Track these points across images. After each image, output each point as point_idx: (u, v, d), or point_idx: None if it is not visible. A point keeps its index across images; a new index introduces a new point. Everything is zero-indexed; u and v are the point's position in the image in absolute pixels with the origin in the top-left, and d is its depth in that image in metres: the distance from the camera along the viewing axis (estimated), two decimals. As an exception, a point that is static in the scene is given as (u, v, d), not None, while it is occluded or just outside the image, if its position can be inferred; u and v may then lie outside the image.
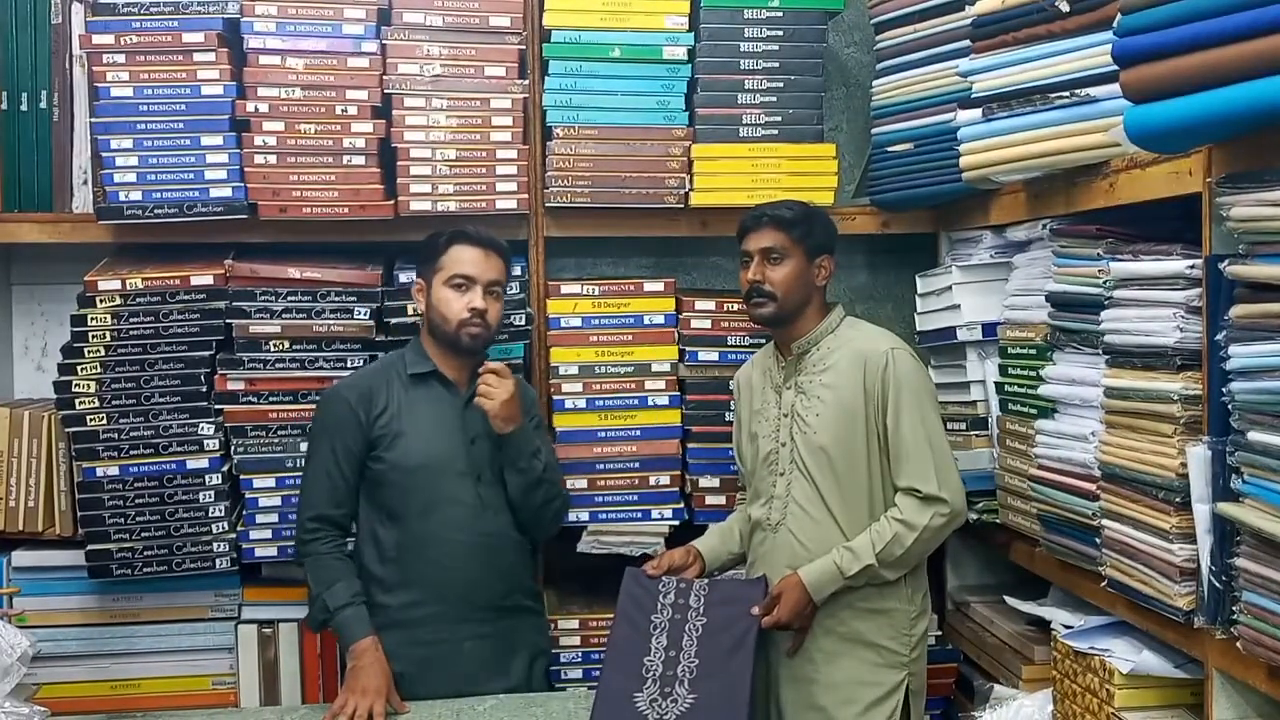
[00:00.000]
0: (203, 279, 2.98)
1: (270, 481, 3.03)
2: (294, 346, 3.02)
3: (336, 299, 3.03)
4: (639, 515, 3.10)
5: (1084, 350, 2.33)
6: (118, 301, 2.95)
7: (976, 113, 2.60)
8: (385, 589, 2.70)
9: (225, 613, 3.09)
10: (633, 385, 3.11)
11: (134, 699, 2.89)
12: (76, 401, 2.93)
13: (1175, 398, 2.00)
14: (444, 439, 2.71)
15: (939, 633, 3.06)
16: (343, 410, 2.72)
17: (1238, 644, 1.83)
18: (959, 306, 2.92)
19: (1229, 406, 1.85)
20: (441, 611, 2.67)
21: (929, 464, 2.52)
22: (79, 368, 2.93)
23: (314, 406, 2.86)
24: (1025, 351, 2.60)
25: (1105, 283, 2.20)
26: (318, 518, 2.71)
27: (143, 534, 2.95)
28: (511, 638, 2.74)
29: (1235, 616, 1.83)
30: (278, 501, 3.01)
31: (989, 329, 2.83)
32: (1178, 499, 1.98)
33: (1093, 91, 2.27)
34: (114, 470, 2.94)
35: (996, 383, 2.75)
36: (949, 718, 3.04)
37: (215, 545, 2.99)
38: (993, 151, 2.57)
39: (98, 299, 2.94)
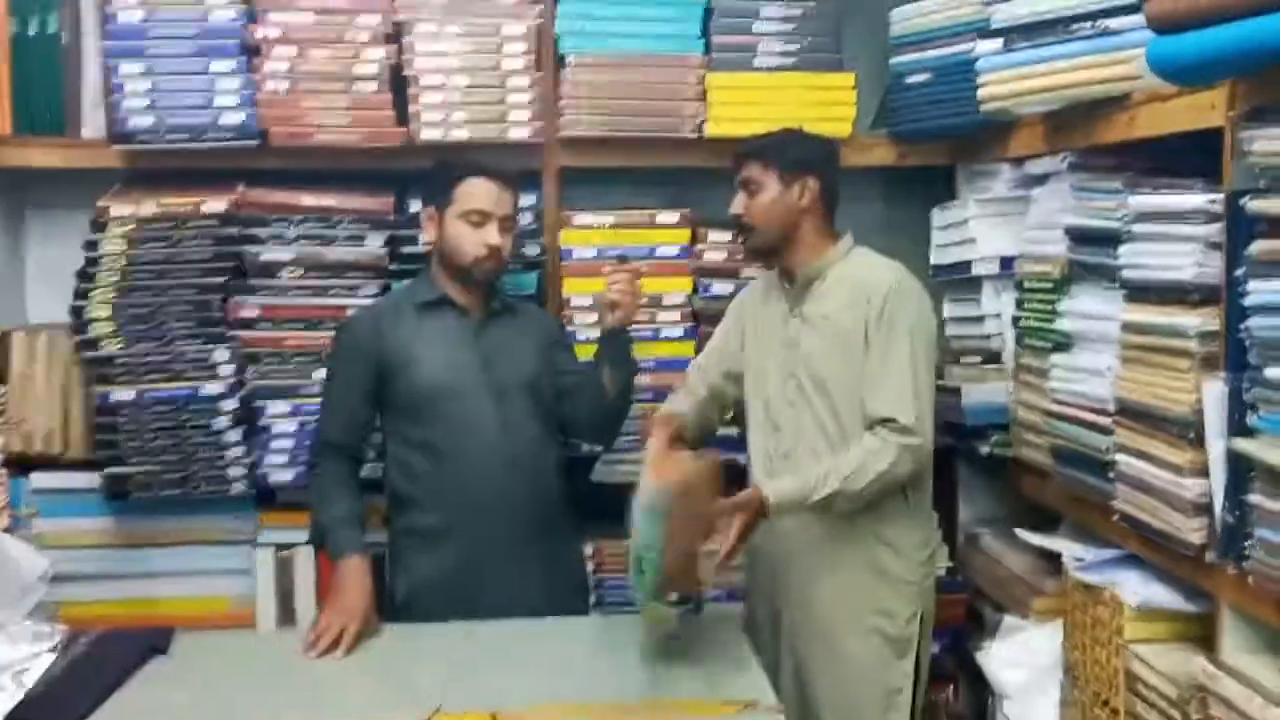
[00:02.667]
0: (215, 206, 2.98)
1: (285, 408, 3.05)
2: (308, 274, 3.02)
3: (349, 226, 3.04)
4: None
5: (1102, 285, 2.32)
6: (130, 227, 2.95)
7: (997, 43, 2.57)
8: (415, 512, 2.74)
9: (242, 536, 3.12)
10: (646, 318, 3.10)
11: (153, 618, 2.91)
12: (91, 326, 2.95)
13: (1193, 333, 1.99)
14: (458, 363, 2.73)
15: (950, 564, 3.08)
16: (352, 341, 2.76)
17: (1249, 579, 1.84)
18: (975, 240, 2.90)
19: (1246, 343, 1.84)
20: (471, 533, 2.70)
21: (910, 395, 2.48)
22: (93, 293, 2.94)
23: (329, 334, 2.87)
24: (1042, 285, 2.59)
25: (1124, 217, 2.19)
26: (327, 444, 2.76)
27: (159, 458, 2.98)
28: (544, 561, 2.76)
29: (1247, 552, 1.84)
30: (293, 428, 3.04)
31: (1006, 263, 2.82)
32: (1192, 434, 1.98)
33: (1115, 22, 2.24)
34: (129, 395, 2.96)
35: (1013, 317, 2.74)
36: (959, 648, 3.06)
37: (231, 470, 3.02)
38: (1012, 83, 2.54)
39: (110, 225, 2.94)
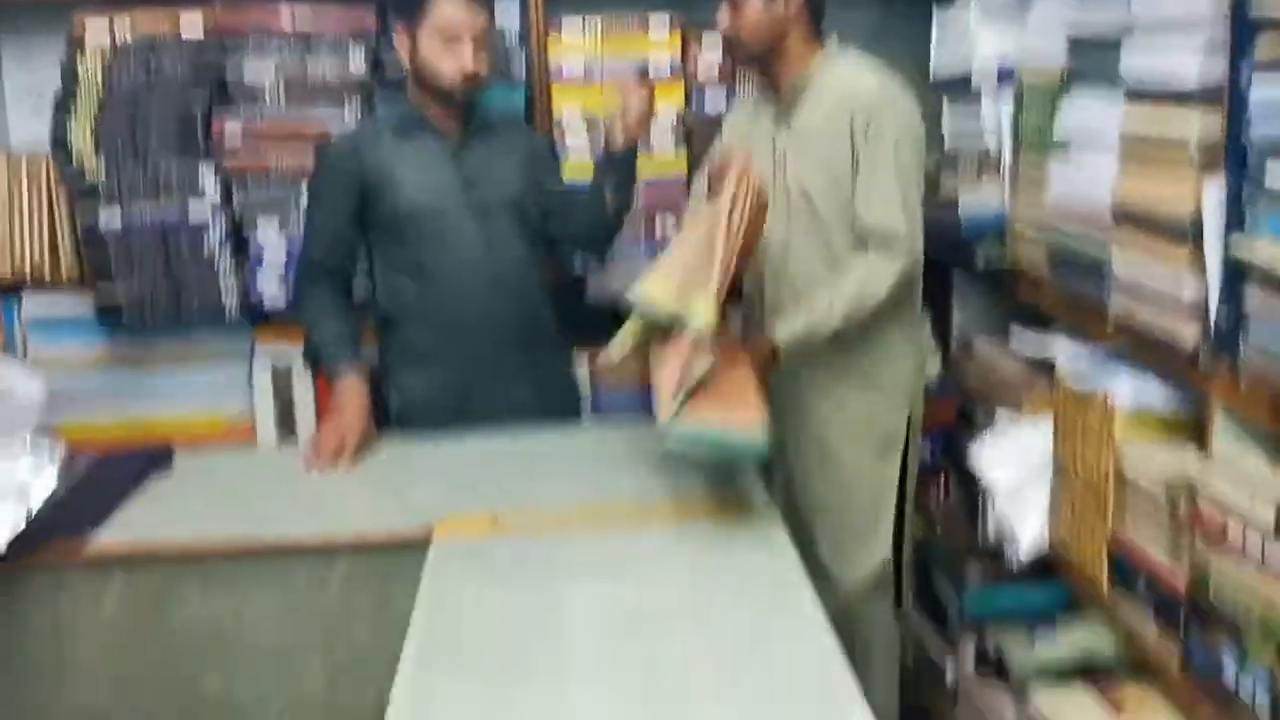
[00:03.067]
0: (193, 27, 2.91)
1: (274, 229, 3.02)
2: (290, 92, 2.97)
3: (330, 45, 2.97)
4: (645, 260, 3.09)
5: (1102, 88, 2.27)
6: (107, 49, 2.88)
7: None
8: (405, 332, 2.76)
9: (238, 355, 3.13)
10: (633, 133, 3.04)
11: (152, 438, 2.94)
12: (73, 149, 2.90)
13: (1194, 135, 1.96)
14: (438, 184, 2.70)
15: (942, 370, 3.10)
16: (332, 165, 2.75)
17: (1241, 380, 1.85)
18: (975, 44, 2.83)
19: (1248, 145, 1.82)
20: (460, 351, 2.72)
21: (899, 206, 2.46)
22: (73, 114, 2.89)
23: (312, 155, 2.83)
24: (1042, 89, 2.53)
25: (1127, 18, 2.13)
26: (313, 265, 2.76)
27: (149, 282, 2.97)
28: (533, 374, 2.79)
29: (1240, 353, 1.85)
30: (282, 248, 3.01)
31: (1006, 69, 2.75)
32: (1190, 237, 1.97)
33: None
34: (116, 219, 2.94)
35: (1011, 122, 2.70)
36: (950, 449, 3.10)
37: (223, 294, 3.01)
38: (1015, -125, 2.45)
39: (87, 47, 2.87)
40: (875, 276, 2.45)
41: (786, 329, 2.45)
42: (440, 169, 2.71)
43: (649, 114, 2.72)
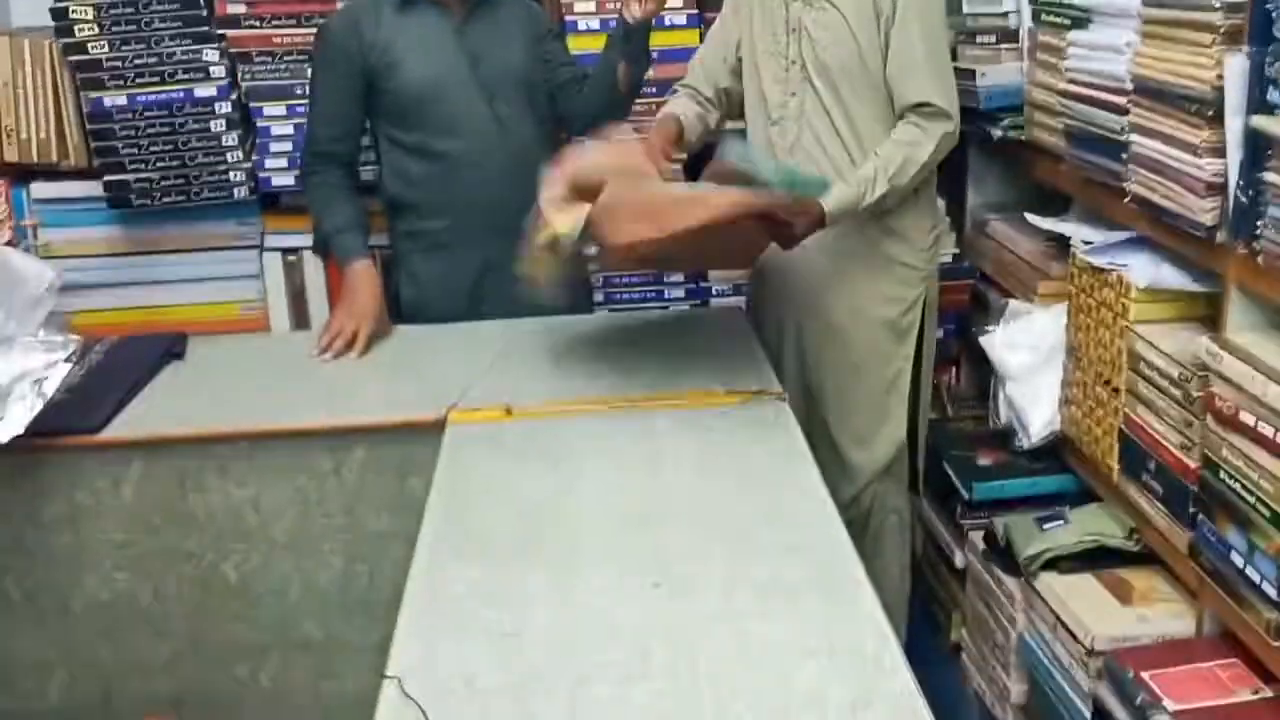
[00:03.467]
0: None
1: (281, 109, 2.99)
2: (294, -34, 2.91)
3: (334, -87, 2.89)
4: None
5: (1125, -45, 2.21)
6: (106, -77, 2.82)
7: None
8: (415, 217, 2.73)
9: (248, 241, 3.11)
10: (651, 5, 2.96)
11: (165, 325, 2.95)
12: (75, 29, 2.86)
13: (1217, 5, 1.90)
14: (443, 61, 2.65)
15: (956, 250, 3.07)
16: (331, 45, 2.68)
17: (1259, 259, 1.83)
18: (995, -90, 2.75)
19: (1273, 14, 1.76)
20: (473, 234, 2.69)
21: (937, 76, 2.42)
22: (74, -5, 2.84)
23: (317, 30, 2.77)
24: (1062, -42, 2.46)
25: (1152, -120, 2.06)
26: (318, 153, 2.73)
27: (158, 164, 2.94)
28: None
29: (1259, 231, 1.82)
30: (290, 130, 2.98)
31: (1027, -66, 2.68)
32: (1210, 112, 1.92)
33: None
34: (121, 100, 2.91)
35: (1030, -8, 2.63)
36: (963, 332, 3.10)
37: (231, 174, 2.99)
38: None
39: (83, -80, 2.81)
40: (920, 144, 2.41)
41: (836, 194, 2.39)
42: (444, 46, 2.65)
43: None
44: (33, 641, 2.29)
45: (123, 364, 2.48)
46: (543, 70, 2.74)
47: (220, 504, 2.24)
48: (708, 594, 1.61)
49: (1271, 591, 1.76)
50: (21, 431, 2.14)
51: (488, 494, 1.93)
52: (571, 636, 1.52)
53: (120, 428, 2.25)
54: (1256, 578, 1.79)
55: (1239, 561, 1.83)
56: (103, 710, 2.30)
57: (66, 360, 2.37)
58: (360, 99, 2.68)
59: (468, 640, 1.53)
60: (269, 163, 3.00)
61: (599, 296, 3.12)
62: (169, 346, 2.58)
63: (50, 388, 2.27)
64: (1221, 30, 1.90)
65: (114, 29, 2.87)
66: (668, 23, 3.00)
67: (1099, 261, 2.28)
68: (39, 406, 2.20)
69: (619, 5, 2.67)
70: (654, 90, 2.96)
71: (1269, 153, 1.79)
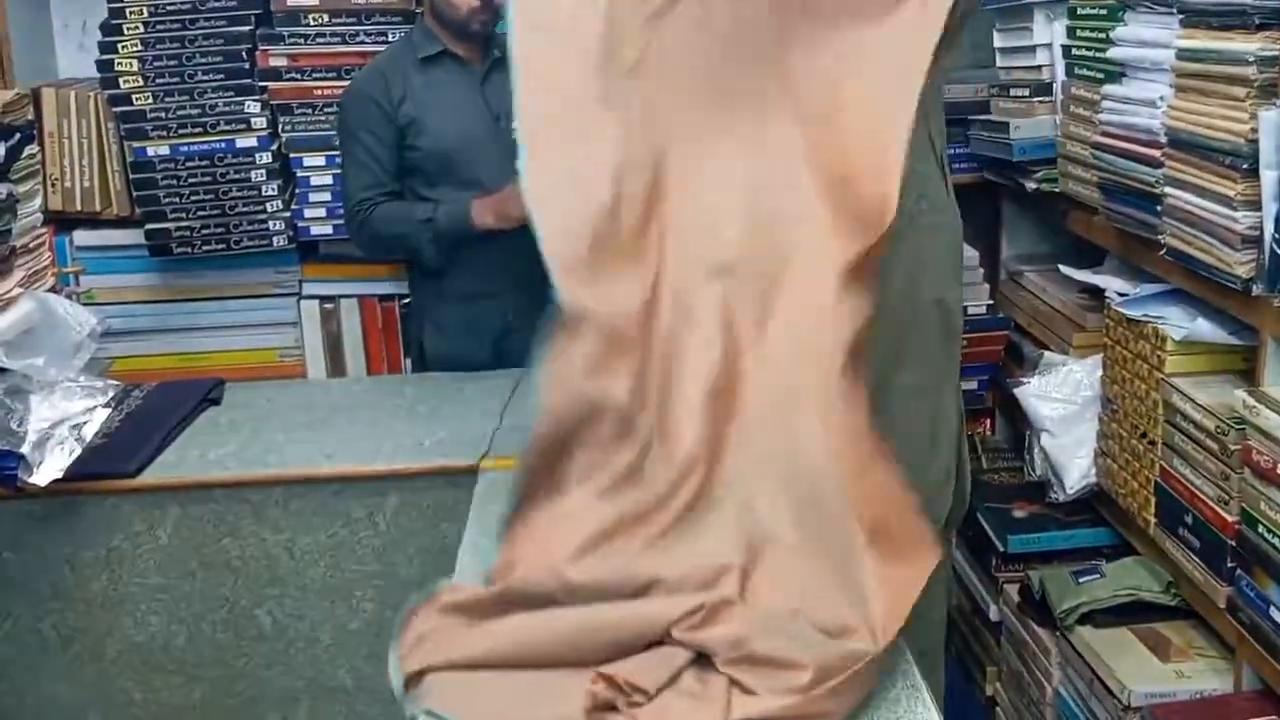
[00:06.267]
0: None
1: (320, 160, 3.03)
2: (333, 20, 2.96)
3: (372, -32, 2.95)
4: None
5: (1157, 10, 2.21)
6: (152, -22, 2.88)
7: None
8: (448, 274, 2.73)
9: (287, 289, 3.15)
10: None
11: (203, 371, 2.98)
12: (121, 81, 2.93)
13: (1251, 59, 1.90)
14: (468, 118, 2.67)
15: (990, 301, 3.06)
16: (363, 102, 2.70)
17: (1294, 311, 1.82)
18: (1027, -38, 2.76)
19: (1307, 68, 1.77)
20: (500, 285, 2.69)
21: None
22: (120, 46, 2.90)
23: (345, 89, 2.81)
24: (1095, 12, 2.47)
25: (1184, -65, 2.07)
26: (362, 201, 2.70)
27: (198, 213, 2.99)
28: None
29: (1295, 284, 1.81)
30: (329, 180, 3.02)
31: (1058, -12, 2.69)
32: (1245, 165, 1.92)
33: None
34: (165, 150, 2.96)
35: (1064, 46, 2.63)
36: (998, 383, 3.09)
37: (271, 223, 3.03)
38: None
39: (132, -24, 2.87)
40: None
41: None
42: (467, 101, 2.68)
43: None
44: (68, 684, 2.31)
45: (160, 409, 2.50)
46: None
47: (255, 549, 2.26)
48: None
49: (1312, 648, 1.74)
50: (60, 476, 2.17)
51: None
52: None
53: (157, 472, 2.27)
54: (1296, 633, 1.77)
55: (1278, 616, 1.81)
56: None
57: (105, 405, 2.40)
58: (395, 151, 2.69)
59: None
60: (308, 212, 3.04)
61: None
62: (206, 392, 2.60)
63: (89, 432, 2.29)
64: (1255, 84, 1.90)
65: (158, 80, 2.93)
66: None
67: (1134, 314, 2.27)
68: (77, 451, 2.23)
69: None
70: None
71: (1304, 205, 1.78)
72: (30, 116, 2.50)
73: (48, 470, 2.17)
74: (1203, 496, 2.03)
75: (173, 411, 2.49)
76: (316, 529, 2.26)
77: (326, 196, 3.03)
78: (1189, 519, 2.08)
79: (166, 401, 2.54)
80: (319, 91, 2.99)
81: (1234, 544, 1.93)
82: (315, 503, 2.25)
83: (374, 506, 2.25)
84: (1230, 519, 1.94)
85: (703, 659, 1.47)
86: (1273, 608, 1.82)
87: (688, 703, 1.41)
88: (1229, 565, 1.95)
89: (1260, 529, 1.84)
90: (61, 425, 2.24)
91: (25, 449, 2.18)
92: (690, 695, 1.43)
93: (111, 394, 2.45)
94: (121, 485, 2.24)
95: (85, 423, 2.30)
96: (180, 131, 2.95)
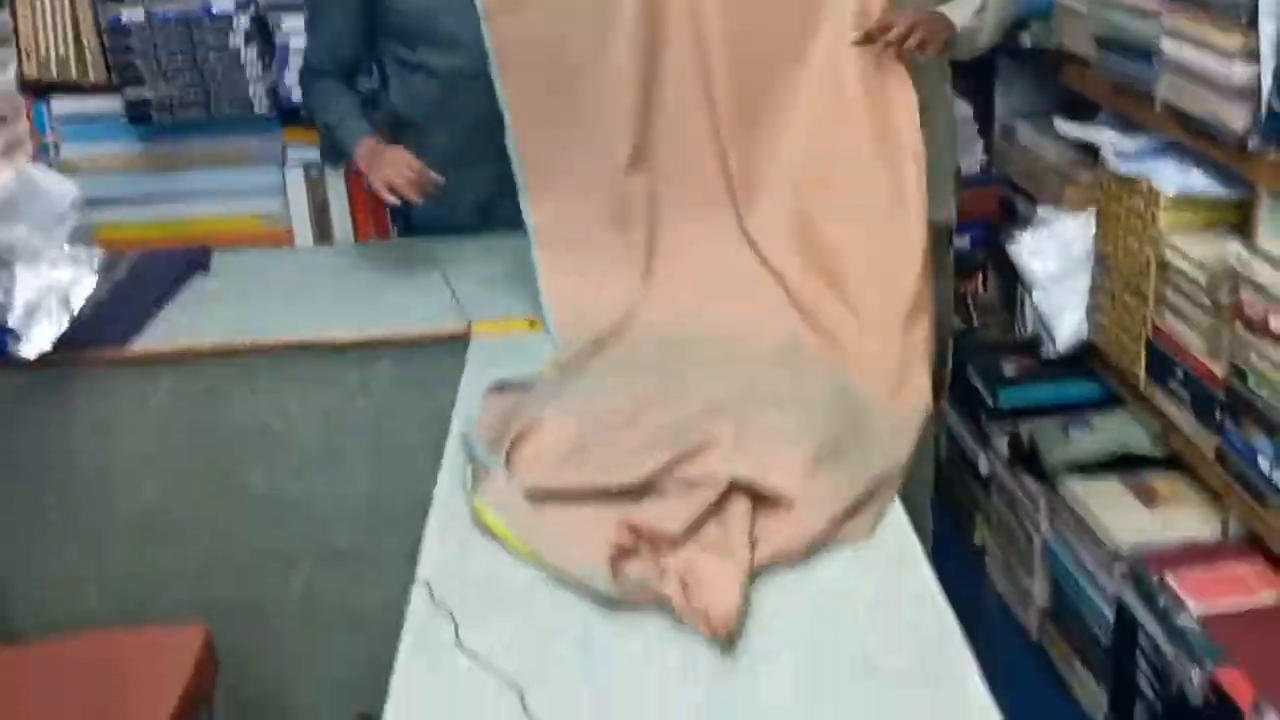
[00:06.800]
0: None
1: (299, 23, 2.95)
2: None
3: None
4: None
5: None
6: None
7: None
8: (425, 137, 2.68)
9: (270, 155, 3.10)
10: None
11: (189, 239, 2.95)
12: (90, -59, 2.84)
13: (1255, -98, 1.86)
14: None
15: (984, 158, 3.04)
16: None
17: (1291, 165, 1.81)
18: None
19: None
20: (481, 150, 2.65)
21: None
22: (89, -96, 2.81)
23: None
24: None
25: None
26: (314, 70, 2.67)
27: (177, 79, 2.92)
28: None
29: (1291, 137, 1.80)
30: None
31: None
32: (1244, 17, 1.89)
33: None
34: (139, 15, 2.88)
35: (1060, -110, 2.57)
36: (990, 241, 3.07)
37: (251, 89, 2.96)
38: None
39: None
40: None
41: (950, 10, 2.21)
42: None
43: None
44: (64, 557, 2.33)
45: (148, 278, 2.49)
46: None
47: (248, 418, 2.27)
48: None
49: (1298, 497, 1.76)
50: (49, 349, 2.16)
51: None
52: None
53: (147, 341, 2.26)
54: (1283, 483, 1.79)
55: (1265, 466, 1.83)
56: (136, 620, 2.35)
57: (92, 274, 2.37)
58: (360, 23, 2.62)
59: (494, 546, 1.55)
60: (289, 77, 2.97)
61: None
62: (194, 260, 2.59)
63: (76, 302, 2.27)
64: (1257, -69, 1.86)
65: (129, -61, 2.84)
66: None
67: (1128, 169, 2.26)
68: (65, 322, 2.21)
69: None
70: None
71: (1304, 54, 1.76)
72: (0, -18, 2.44)
73: (37, 341, 2.16)
74: (1193, 350, 2.04)
75: (161, 280, 2.48)
76: (309, 396, 2.26)
77: (306, 60, 2.97)
78: (1179, 372, 2.09)
79: (154, 270, 2.53)
80: (296, -49, 2.90)
81: (1223, 396, 1.94)
82: (307, 370, 2.25)
83: (366, 372, 2.25)
84: (1220, 371, 1.95)
85: (722, 507, 1.54)
86: (1260, 457, 1.84)
87: (711, 556, 1.47)
88: (1218, 417, 1.97)
89: (1250, 381, 1.85)
90: (49, 296, 2.22)
91: (13, 321, 2.16)
92: (713, 547, 1.49)
93: (97, 263, 2.42)
94: (112, 355, 2.23)
95: (71, 294, 2.28)
96: (154, -8, 2.88)
